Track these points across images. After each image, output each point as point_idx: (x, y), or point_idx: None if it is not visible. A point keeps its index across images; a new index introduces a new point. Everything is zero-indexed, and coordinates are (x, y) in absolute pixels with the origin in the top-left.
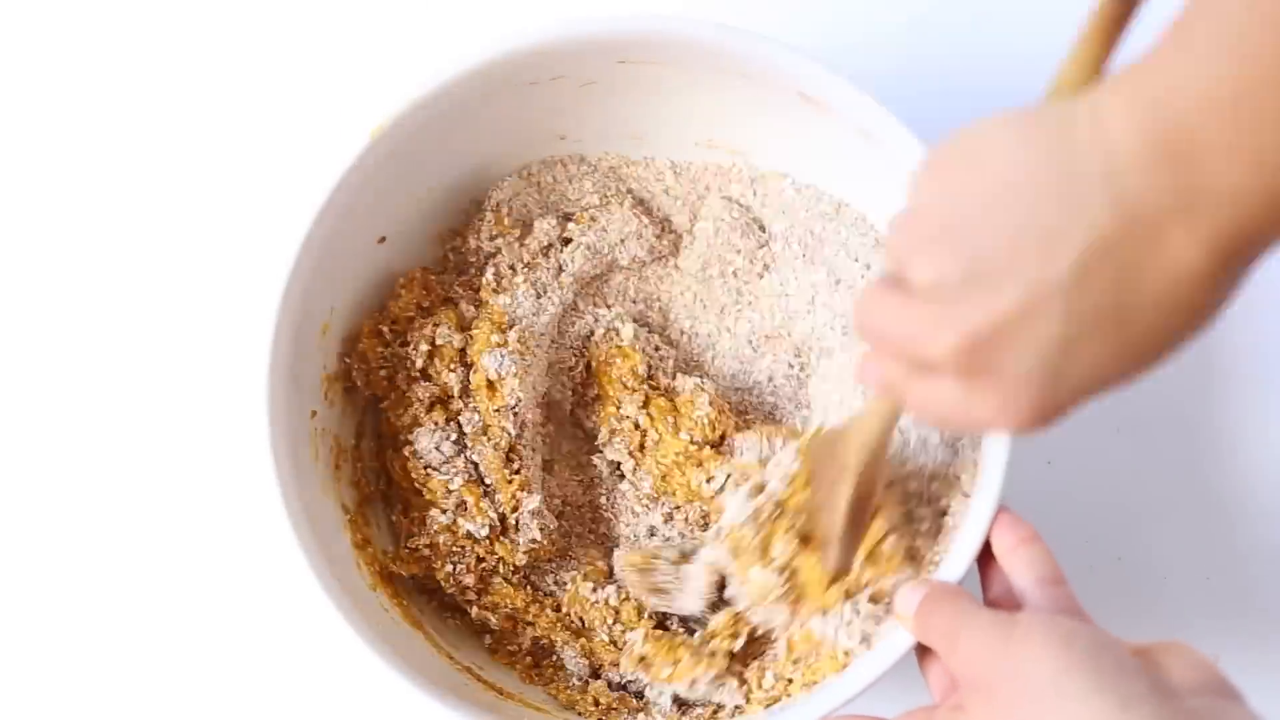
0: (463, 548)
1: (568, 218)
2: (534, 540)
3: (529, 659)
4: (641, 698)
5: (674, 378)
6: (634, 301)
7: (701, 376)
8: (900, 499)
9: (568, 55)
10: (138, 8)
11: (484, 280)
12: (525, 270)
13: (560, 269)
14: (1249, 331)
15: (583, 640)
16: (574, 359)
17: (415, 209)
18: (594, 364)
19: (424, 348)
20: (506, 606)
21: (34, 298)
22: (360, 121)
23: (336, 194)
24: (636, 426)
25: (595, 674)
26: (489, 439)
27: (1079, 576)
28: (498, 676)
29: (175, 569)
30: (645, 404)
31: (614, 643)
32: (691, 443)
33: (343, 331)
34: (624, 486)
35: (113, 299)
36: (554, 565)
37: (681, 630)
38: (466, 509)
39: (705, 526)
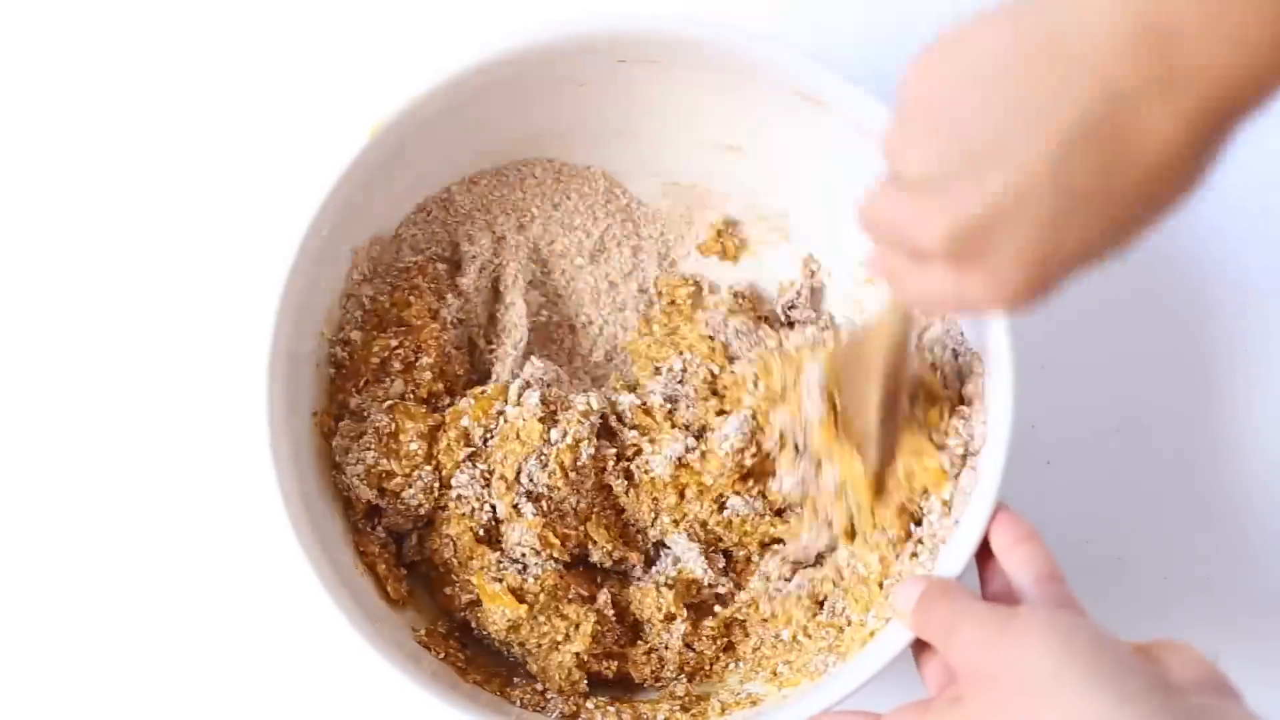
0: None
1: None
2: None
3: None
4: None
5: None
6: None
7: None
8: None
9: (566, 55)
10: (137, 8)
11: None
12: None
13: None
14: (1248, 332)
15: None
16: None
17: (414, 206)
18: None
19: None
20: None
21: (33, 297)
22: (360, 118)
23: (337, 191)
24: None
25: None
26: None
27: (1079, 576)
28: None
29: (174, 566)
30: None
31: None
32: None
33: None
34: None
35: (112, 299)
36: None
37: None
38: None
39: None
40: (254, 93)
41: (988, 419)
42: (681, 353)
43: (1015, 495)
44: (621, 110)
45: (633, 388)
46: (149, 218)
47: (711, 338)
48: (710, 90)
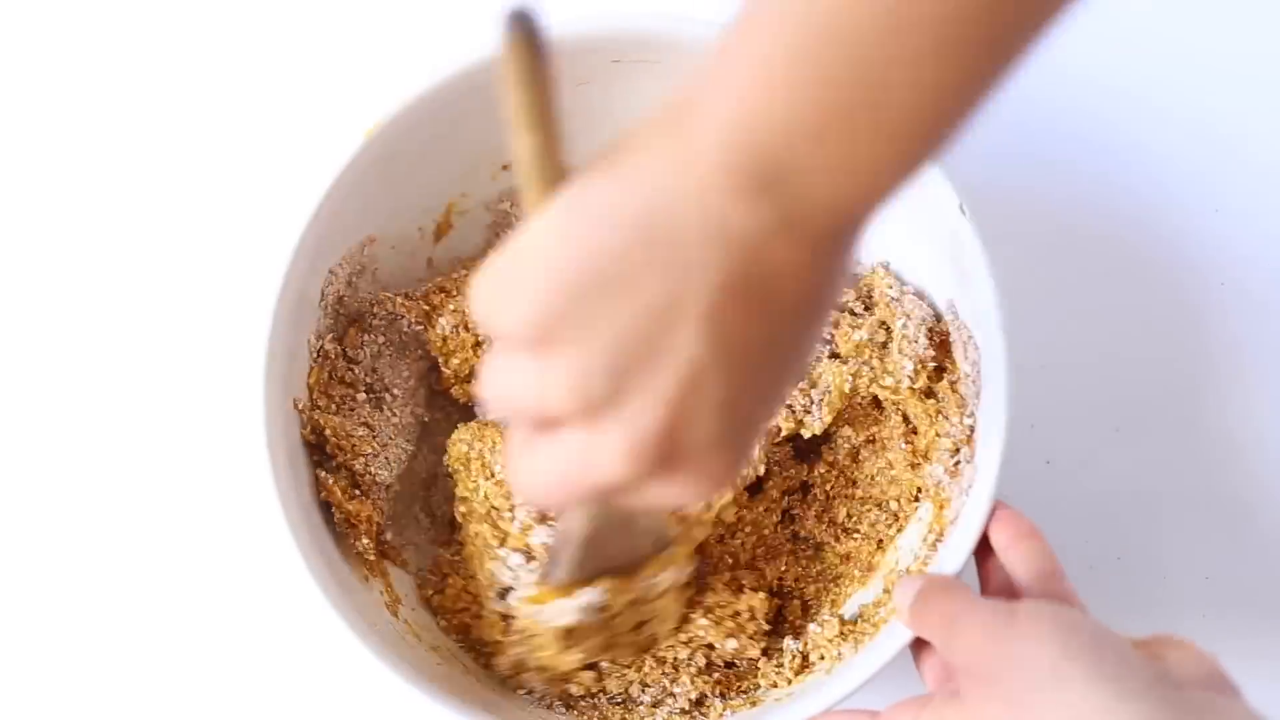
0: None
1: None
2: None
3: None
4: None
5: None
6: None
7: None
8: None
9: (561, 54)
10: (137, 8)
11: None
12: None
13: None
14: (1249, 332)
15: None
16: None
17: (408, 209)
18: None
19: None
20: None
21: (30, 298)
22: (355, 122)
23: (331, 194)
24: None
25: None
26: None
27: (1079, 576)
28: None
29: (174, 566)
30: None
31: None
32: None
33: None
34: None
35: (107, 300)
36: None
37: None
38: None
39: None
40: (250, 97)
41: (983, 417)
42: None
43: (1015, 495)
44: (620, 110)
45: None
46: (146, 222)
47: None
48: None
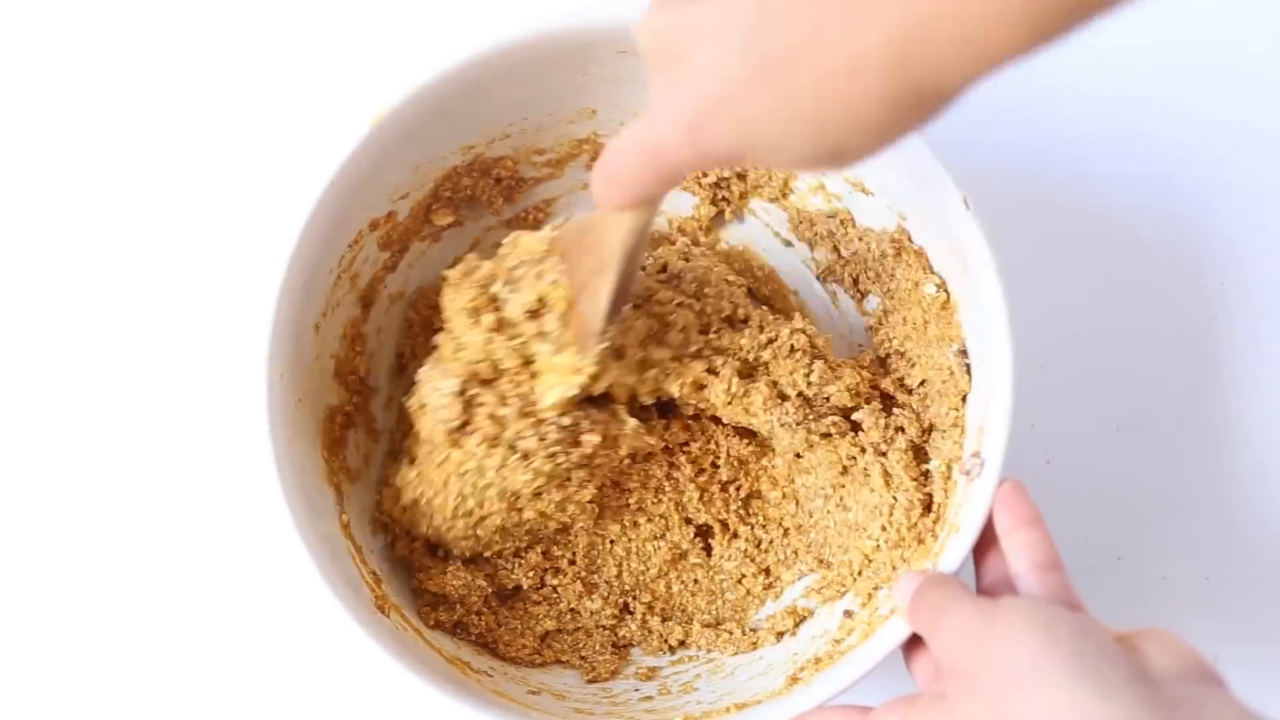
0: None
1: None
2: None
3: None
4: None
5: None
6: None
7: None
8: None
9: (567, 45)
10: (141, 6)
11: None
12: None
13: None
14: (1249, 332)
15: None
16: None
17: (413, 198)
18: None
19: None
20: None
21: (34, 293)
22: (360, 111)
23: (336, 184)
24: None
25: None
26: None
27: (1079, 576)
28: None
29: (176, 565)
30: None
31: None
32: None
33: (341, 323)
34: None
35: (114, 292)
36: None
37: None
38: None
39: None
40: (256, 86)
41: (988, 414)
42: None
43: None
44: (624, 100)
45: None
46: (152, 213)
47: None
48: None
